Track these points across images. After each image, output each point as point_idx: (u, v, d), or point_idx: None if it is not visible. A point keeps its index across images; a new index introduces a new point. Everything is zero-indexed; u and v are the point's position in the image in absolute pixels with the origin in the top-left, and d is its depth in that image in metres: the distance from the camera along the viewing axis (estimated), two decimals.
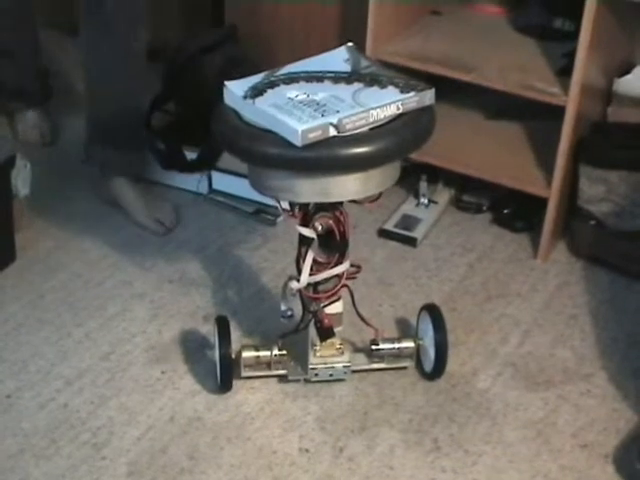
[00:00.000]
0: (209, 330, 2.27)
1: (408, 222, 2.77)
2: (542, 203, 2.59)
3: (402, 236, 2.73)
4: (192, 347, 2.33)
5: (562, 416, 2.17)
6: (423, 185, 2.83)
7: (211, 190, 2.89)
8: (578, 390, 2.24)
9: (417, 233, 2.73)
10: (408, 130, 1.87)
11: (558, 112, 2.47)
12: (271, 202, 2.71)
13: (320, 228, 1.99)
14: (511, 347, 2.36)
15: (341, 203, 1.99)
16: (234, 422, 2.13)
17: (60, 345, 2.32)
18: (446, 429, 2.13)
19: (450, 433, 2.12)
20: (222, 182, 2.86)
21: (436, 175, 2.85)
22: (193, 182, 2.87)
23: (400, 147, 1.87)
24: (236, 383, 2.20)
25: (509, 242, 2.74)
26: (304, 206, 1.99)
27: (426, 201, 2.84)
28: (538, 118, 2.84)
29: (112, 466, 2.01)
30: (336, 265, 2.04)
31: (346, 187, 1.88)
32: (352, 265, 2.09)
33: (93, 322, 2.40)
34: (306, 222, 1.99)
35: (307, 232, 1.98)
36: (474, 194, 2.86)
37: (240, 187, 2.80)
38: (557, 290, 2.56)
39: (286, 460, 2.04)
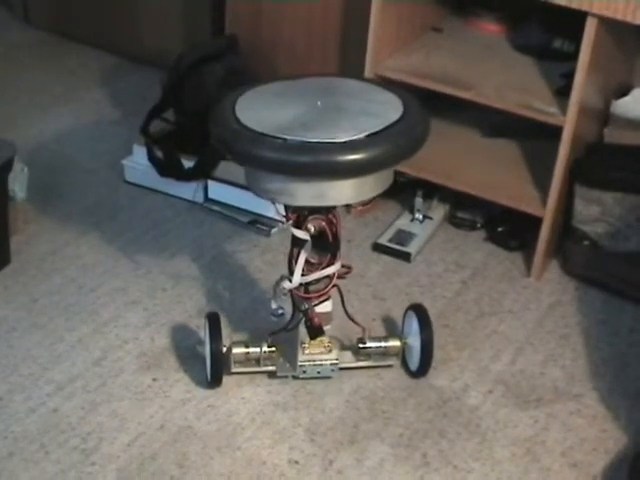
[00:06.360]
0: (201, 338, 2.27)
1: (402, 237, 2.78)
2: (536, 222, 2.60)
3: (396, 251, 2.73)
4: (184, 355, 2.33)
5: (552, 435, 2.18)
6: (418, 201, 2.84)
7: (207, 199, 2.89)
8: (568, 409, 2.25)
9: (411, 248, 2.74)
10: (403, 138, 1.91)
11: (555, 132, 2.49)
12: (266, 213, 2.74)
13: (313, 230, 2.02)
14: (502, 365, 2.37)
15: (334, 206, 2.02)
16: (224, 431, 2.13)
17: (52, 349, 2.32)
18: (436, 444, 2.13)
19: (440, 449, 2.12)
20: (218, 192, 2.87)
21: (431, 191, 2.86)
22: (189, 191, 2.87)
23: (395, 154, 1.91)
24: (226, 387, 2.21)
25: (503, 260, 2.75)
26: (298, 208, 2.01)
27: (421, 217, 2.85)
28: (535, 137, 2.86)
29: (101, 472, 2.01)
30: (328, 266, 2.06)
31: (341, 192, 1.92)
32: (343, 266, 2.10)
33: (86, 327, 2.40)
34: (299, 224, 2.01)
35: (300, 234, 2.00)
36: (469, 211, 2.87)
37: (236, 197, 2.82)
38: (549, 309, 2.56)
39: (275, 471, 2.04)
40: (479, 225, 2.86)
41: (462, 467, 2.08)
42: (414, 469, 2.07)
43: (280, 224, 2.71)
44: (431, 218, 2.86)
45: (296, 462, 2.07)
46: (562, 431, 2.19)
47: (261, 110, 1.96)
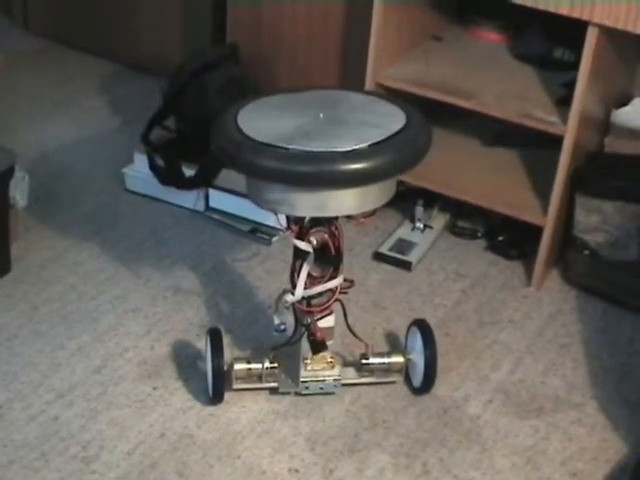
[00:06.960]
0: (202, 347, 2.27)
1: (403, 246, 2.78)
2: (537, 231, 2.60)
3: (397, 260, 2.73)
4: (184, 363, 2.33)
5: (552, 444, 2.17)
6: (419, 210, 2.84)
7: (208, 208, 2.89)
8: (568, 419, 2.25)
9: (412, 257, 2.74)
10: (406, 147, 1.91)
11: (555, 141, 2.49)
12: (267, 221, 2.74)
13: (315, 242, 2.01)
14: (503, 374, 2.37)
15: (336, 218, 2.02)
16: (225, 440, 2.13)
17: (53, 357, 2.32)
18: (436, 454, 2.13)
19: (440, 458, 2.12)
20: (219, 200, 2.87)
21: (432, 200, 2.86)
22: (190, 199, 2.87)
23: (398, 164, 1.91)
24: (227, 397, 2.20)
25: (503, 269, 2.75)
26: (300, 220, 2.01)
27: (421, 226, 2.85)
28: (535, 146, 2.86)
29: None
30: (330, 279, 2.05)
31: (343, 202, 1.91)
32: (345, 279, 2.10)
33: (86, 335, 2.40)
34: (302, 236, 2.01)
35: (303, 246, 1.99)
36: (469, 220, 2.87)
37: (236, 205, 2.82)
38: (550, 318, 2.56)
39: None
40: (479, 234, 2.86)
41: (462, 476, 2.08)
42: (414, 478, 2.06)
43: (281, 232, 2.72)
44: (432, 227, 2.86)
45: (296, 471, 2.07)
46: (562, 440, 2.19)
47: (263, 121, 1.96)
